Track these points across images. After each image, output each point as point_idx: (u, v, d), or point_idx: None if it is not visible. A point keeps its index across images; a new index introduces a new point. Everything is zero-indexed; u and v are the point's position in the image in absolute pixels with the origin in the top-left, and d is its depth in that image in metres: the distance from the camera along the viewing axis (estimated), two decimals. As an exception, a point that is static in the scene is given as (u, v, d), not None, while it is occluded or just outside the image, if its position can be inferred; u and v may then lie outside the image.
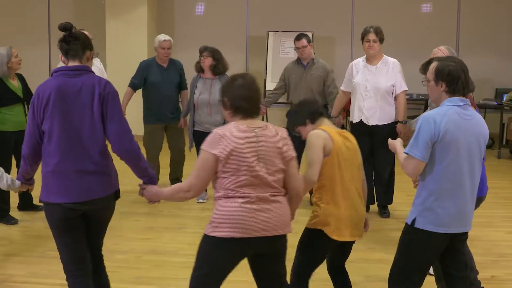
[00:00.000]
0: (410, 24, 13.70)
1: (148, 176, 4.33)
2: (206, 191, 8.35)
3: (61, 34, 4.29)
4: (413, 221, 4.15)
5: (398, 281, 4.27)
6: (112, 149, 4.14)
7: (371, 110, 7.47)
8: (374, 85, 7.44)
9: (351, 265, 5.96)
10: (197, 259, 4.00)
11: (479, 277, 5.25)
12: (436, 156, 4.03)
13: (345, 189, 4.41)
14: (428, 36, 13.33)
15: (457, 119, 4.02)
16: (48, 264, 5.93)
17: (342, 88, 7.86)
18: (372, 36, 7.44)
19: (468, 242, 5.26)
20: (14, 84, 7.28)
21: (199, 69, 8.32)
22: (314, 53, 8.25)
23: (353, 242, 4.64)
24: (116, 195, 4.31)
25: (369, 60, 7.55)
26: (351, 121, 7.77)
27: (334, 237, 4.38)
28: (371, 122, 7.49)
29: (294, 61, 8.38)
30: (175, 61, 8.79)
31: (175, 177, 8.95)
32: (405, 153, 4.11)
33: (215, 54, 8.11)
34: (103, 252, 4.48)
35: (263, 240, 3.91)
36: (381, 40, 7.48)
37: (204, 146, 3.89)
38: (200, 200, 8.39)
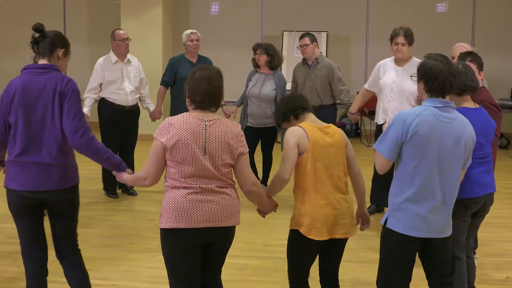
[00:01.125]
0: (425, 24, 13.65)
1: (114, 165, 4.51)
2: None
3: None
4: (386, 221, 4.09)
5: (382, 285, 4.19)
6: (70, 143, 4.38)
7: (396, 112, 7.37)
8: (400, 87, 7.31)
9: (372, 266, 5.96)
10: (162, 255, 4.10)
11: (494, 278, 5.22)
12: (404, 157, 3.94)
13: (321, 187, 4.28)
14: (443, 35, 13.30)
15: (432, 121, 3.89)
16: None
17: (365, 86, 7.80)
18: (400, 40, 7.28)
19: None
20: None
21: (255, 65, 8.57)
22: (320, 52, 8.22)
23: (341, 242, 4.47)
24: (74, 190, 4.51)
25: (397, 61, 7.45)
26: (376, 123, 7.69)
27: (311, 237, 4.26)
28: None
29: (300, 62, 8.41)
30: (206, 58, 8.80)
31: None
32: (374, 147, 4.06)
33: (269, 50, 8.29)
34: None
35: (210, 230, 3.96)
36: (410, 43, 7.33)
37: (155, 133, 3.97)
38: None
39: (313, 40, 8.15)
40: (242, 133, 4.09)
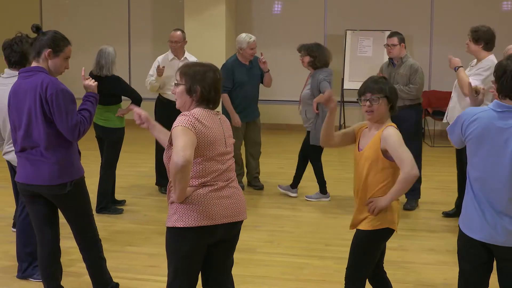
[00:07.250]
0: (490, 23, 13.35)
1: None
2: (327, 194, 8.30)
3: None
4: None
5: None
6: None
7: (452, 111, 7.25)
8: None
9: (435, 268, 5.89)
10: (172, 253, 3.98)
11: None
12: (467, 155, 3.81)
13: None
14: (509, 34, 13.04)
15: (485, 124, 3.66)
16: (127, 259, 6.03)
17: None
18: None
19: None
20: None
21: None
22: (407, 52, 8.01)
23: None
24: (65, 186, 4.58)
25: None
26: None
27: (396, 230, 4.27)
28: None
29: (387, 61, 8.19)
30: (256, 58, 8.73)
31: (256, 172, 8.86)
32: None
33: (311, 52, 8.12)
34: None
35: (227, 226, 3.91)
36: (474, 40, 7.24)
37: (182, 124, 3.78)
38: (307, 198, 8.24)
39: (402, 40, 7.90)
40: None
